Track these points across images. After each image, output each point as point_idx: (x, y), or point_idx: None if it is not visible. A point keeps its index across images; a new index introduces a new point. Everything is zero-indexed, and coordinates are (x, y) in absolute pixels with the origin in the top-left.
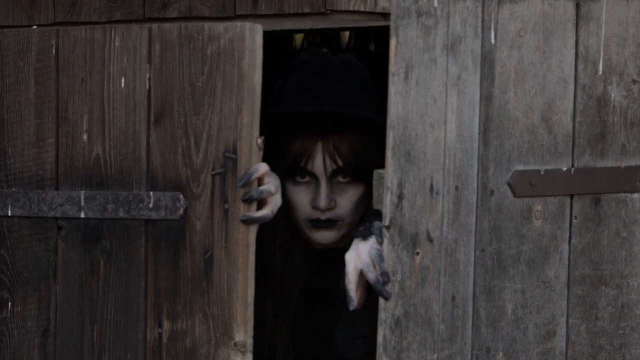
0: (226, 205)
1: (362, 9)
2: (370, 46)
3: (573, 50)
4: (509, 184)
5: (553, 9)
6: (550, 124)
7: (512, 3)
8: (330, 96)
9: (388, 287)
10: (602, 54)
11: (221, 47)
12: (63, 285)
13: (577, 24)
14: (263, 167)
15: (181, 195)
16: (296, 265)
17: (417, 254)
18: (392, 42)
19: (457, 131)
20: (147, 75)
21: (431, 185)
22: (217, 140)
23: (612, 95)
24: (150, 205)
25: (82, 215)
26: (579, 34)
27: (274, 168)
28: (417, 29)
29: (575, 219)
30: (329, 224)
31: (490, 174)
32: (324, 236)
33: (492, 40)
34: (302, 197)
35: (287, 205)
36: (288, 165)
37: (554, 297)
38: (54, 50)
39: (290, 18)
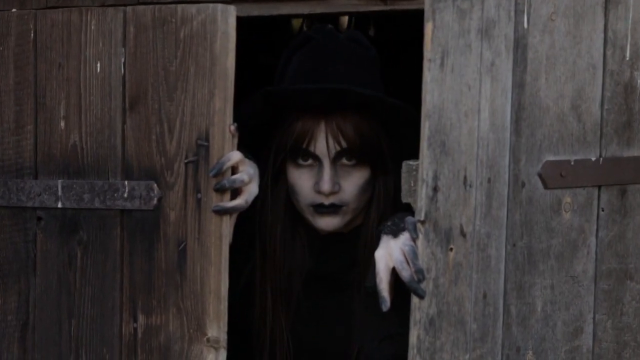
0: (199, 195)
1: None
2: (370, 31)
3: (602, 35)
4: (539, 175)
5: None
6: (579, 112)
7: None
8: (334, 73)
9: (423, 285)
10: (629, 38)
11: (194, 30)
12: (42, 277)
13: (606, 7)
14: (236, 156)
15: (155, 185)
16: (298, 254)
17: (451, 249)
18: (429, 27)
19: (490, 120)
20: (122, 60)
21: (465, 178)
22: (191, 127)
23: (639, 81)
24: (125, 195)
25: (60, 205)
26: (608, 18)
27: (275, 151)
28: (452, 12)
29: (603, 210)
30: (333, 209)
31: (521, 165)
32: (328, 223)
33: (525, 25)
34: (304, 181)
35: (289, 191)
36: (290, 147)
37: (581, 293)
38: (32, 34)
39: (287, 2)
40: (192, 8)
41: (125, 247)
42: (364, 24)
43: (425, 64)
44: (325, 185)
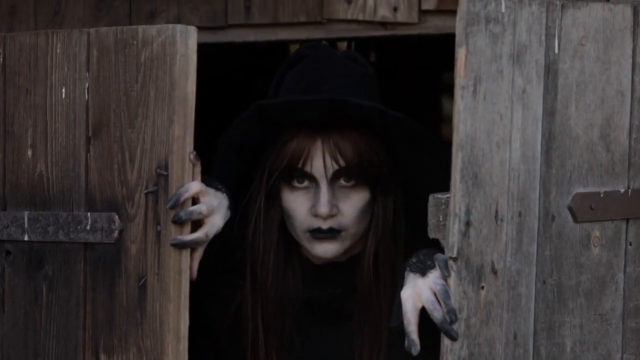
0: (158, 227)
1: (360, 17)
2: (371, 57)
3: (630, 61)
4: (569, 209)
5: (612, 14)
6: (608, 142)
7: (574, 8)
8: (330, 88)
9: (454, 326)
10: None
11: (154, 53)
12: (9, 314)
13: (634, 32)
14: (195, 186)
15: (116, 217)
16: (290, 286)
17: (482, 287)
18: (462, 52)
19: (521, 150)
20: (86, 85)
21: (496, 211)
22: (151, 155)
23: None
24: (88, 228)
25: (26, 238)
26: (636, 43)
27: (267, 173)
28: (485, 37)
29: (630, 245)
30: (332, 234)
31: (552, 197)
32: (326, 249)
33: (556, 50)
34: (300, 204)
35: (284, 216)
36: (283, 168)
37: (610, 332)
38: (1, 59)
39: (285, 28)
40: (153, 29)
41: (88, 282)
42: (364, 51)
43: (458, 91)
44: (323, 208)
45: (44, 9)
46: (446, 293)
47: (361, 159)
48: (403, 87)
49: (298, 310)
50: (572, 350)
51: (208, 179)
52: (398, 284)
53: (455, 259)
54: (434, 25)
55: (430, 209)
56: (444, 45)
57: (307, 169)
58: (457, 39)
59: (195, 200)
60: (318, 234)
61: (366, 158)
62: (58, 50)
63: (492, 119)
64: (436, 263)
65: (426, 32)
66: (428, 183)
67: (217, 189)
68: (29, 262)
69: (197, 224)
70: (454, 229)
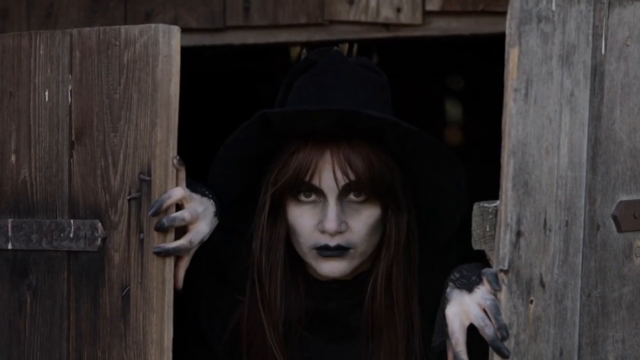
0: (141, 235)
1: (363, 19)
2: (373, 59)
3: None
4: (614, 217)
5: None
6: None
7: (620, 7)
8: (340, 96)
9: (506, 343)
10: None
11: (136, 54)
12: None
13: None
14: (178, 193)
15: (99, 224)
16: (294, 304)
17: (531, 302)
18: (514, 52)
19: (568, 157)
20: (69, 88)
21: (545, 221)
22: (134, 160)
23: None
24: (71, 235)
25: (10, 246)
26: None
27: (272, 186)
28: (537, 36)
29: None
30: (339, 252)
31: (597, 206)
32: (333, 268)
33: (603, 51)
34: (306, 220)
35: (289, 231)
36: (289, 181)
37: None
38: None
39: (285, 30)
40: (135, 29)
41: (72, 292)
42: (366, 54)
43: (510, 94)
44: (331, 224)
45: (36, 11)
46: (497, 309)
47: (372, 173)
48: (406, 91)
49: (302, 325)
50: None
51: (194, 184)
52: (412, 305)
53: (506, 272)
54: (438, 27)
55: (475, 219)
56: (448, 48)
57: (315, 182)
58: (509, 39)
59: (179, 207)
60: (325, 251)
61: (378, 172)
62: (41, 52)
63: (541, 123)
64: (484, 278)
65: (430, 34)
66: (442, 199)
67: (203, 194)
68: (13, 271)
69: (182, 231)
70: (505, 239)
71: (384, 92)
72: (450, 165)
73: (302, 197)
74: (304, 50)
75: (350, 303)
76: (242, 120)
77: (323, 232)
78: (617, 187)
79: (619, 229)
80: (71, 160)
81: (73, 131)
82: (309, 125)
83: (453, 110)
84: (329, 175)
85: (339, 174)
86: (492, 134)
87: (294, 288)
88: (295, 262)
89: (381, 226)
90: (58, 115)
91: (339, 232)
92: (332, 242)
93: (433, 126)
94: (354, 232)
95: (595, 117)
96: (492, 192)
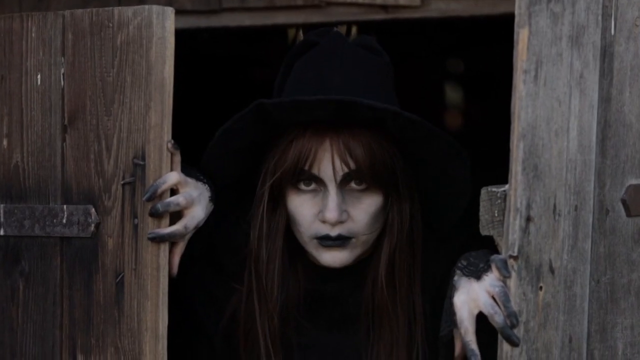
0: (136, 221)
1: (360, 0)
2: None
3: None
4: (623, 202)
5: None
6: None
7: None
8: (340, 83)
9: (515, 331)
10: None
11: (130, 35)
12: None
13: None
14: (173, 177)
15: (93, 210)
16: (292, 288)
17: (541, 288)
18: (524, 33)
19: (578, 140)
20: (62, 71)
21: (554, 206)
22: (127, 144)
23: None
24: (64, 221)
25: (2, 232)
26: None
27: (271, 175)
28: (547, 16)
29: None
30: (341, 241)
31: (606, 190)
32: (335, 257)
33: (612, 31)
34: (306, 209)
35: (289, 221)
36: (288, 170)
37: None
38: None
39: (282, 11)
40: (129, 11)
41: (65, 279)
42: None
43: (519, 76)
44: (332, 213)
45: None
46: (506, 296)
47: (373, 161)
48: (405, 74)
49: (301, 310)
50: (623, 353)
51: (189, 169)
52: (415, 294)
53: (515, 258)
54: (438, 9)
55: (483, 204)
56: (448, 30)
57: (315, 171)
58: (519, 19)
59: (174, 192)
60: (326, 241)
61: (379, 160)
62: (33, 34)
63: (551, 105)
64: (493, 264)
65: (429, 16)
66: (445, 187)
67: (197, 179)
68: (5, 257)
69: (177, 217)
70: (515, 225)
71: (386, 75)
72: (454, 154)
73: (302, 186)
74: (300, 32)
75: (351, 286)
76: (238, 105)
77: (323, 221)
78: (627, 170)
79: (628, 214)
80: (64, 144)
81: (66, 115)
82: (308, 116)
83: (453, 94)
84: (328, 164)
85: (339, 163)
86: (492, 118)
87: (293, 275)
88: (295, 250)
89: (383, 214)
90: (50, 99)
91: (339, 222)
92: (333, 232)
93: (432, 110)
94: (356, 221)
95: (605, 100)
96: (495, 177)
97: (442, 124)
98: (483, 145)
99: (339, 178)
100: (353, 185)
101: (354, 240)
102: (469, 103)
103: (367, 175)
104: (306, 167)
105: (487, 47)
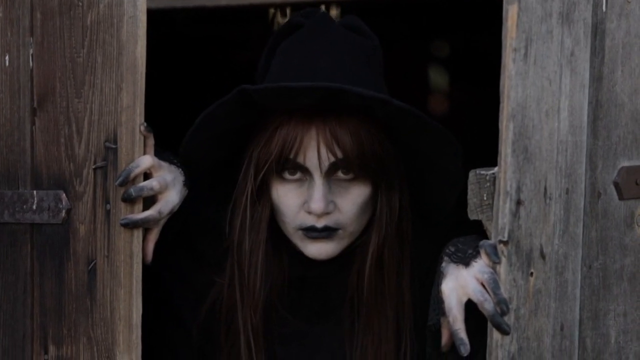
0: (108, 206)
1: None
2: None
3: None
4: (615, 184)
5: None
6: None
7: None
8: (327, 68)
9: (506, 319)
10: None
11: (100, 15)
12: None
13: None
14: (146, 161)
15: (64, 195)
16: (276, 278)
17: (531, 274)
18: (513, 9)
19: (569, 120)
20: (30, 51)
21: (545, 189)
22: (99, 127)
23: None
24: (34, 207)
25: None
26: None
27: (255, 163)
28: None
29: None
30: (327, 233)
31: (598, 172)
32: (320, 249)
33: (604, 8)
34: (291, 199)
35: (273, 211)
36: (273, 159)
37: None
38: None
39: None
40: None
41: (36, 267)
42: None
43: (509, 54)
44: (317, 204)
45: None
46: (496, 282)
47: (361, 150)
48: (388, 57)
49: (284, 300)
50: (616, 341)
51: (162, 152)
52: (403, 286)
53: (506, 243)
54: None
55: (472, 187)
56: (432, 12)
57: (300, 160)
58: None
59: (147, 176)
60: (311, 232)
61: (367, 148)
62: (0, 14)
63: (541, 85)
64: (482, 250)
65: None
66: (436, 176)
67: (171, 162)
68: None
69: (150, 202)
70: (505, 209)
71: (374, 58)
72: (445, 143)
73: (287, 175)
74: (278, 13)
75: (334, 270)
76: (217, 88)
77: (309, 212)
78: (619, 152)
79: (620, 197)
80: (33, 127)
81: (35, 97)
82: (293, 103)
83: (438, 77)
84: (314, 153)
85: (325, 152)
86: (478, 101)
87: (278, 264)
88: (279, 240)
89: (372, 205)
90: (19, 81)
91: (326, 213)
92: (319, 223)
93: (416, 93)
94: (343, 212)
95: (596, 79)
96: (481, 161)
97: (425, 109)
98: (470, 130)
99: (325, 167)
100: (340, 174)
101: (340, 231)
102: (455, 87)
103: (354, 164)
104: (291, 156)
105: (474, 29)
